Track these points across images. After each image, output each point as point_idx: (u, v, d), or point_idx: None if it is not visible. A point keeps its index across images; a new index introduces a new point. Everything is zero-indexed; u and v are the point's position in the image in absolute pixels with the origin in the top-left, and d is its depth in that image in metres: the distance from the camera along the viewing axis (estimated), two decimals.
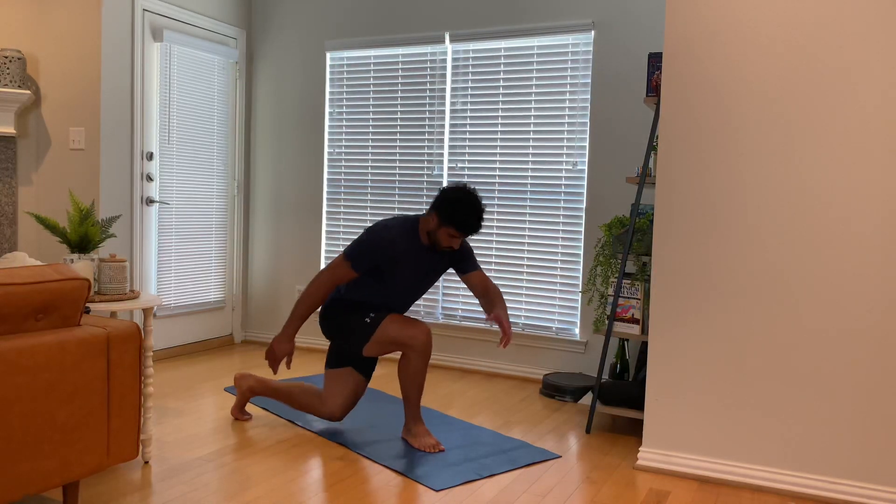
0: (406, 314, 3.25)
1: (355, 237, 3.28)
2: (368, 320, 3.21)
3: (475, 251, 4.70)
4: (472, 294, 4.72)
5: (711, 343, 2.99)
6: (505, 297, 4.63)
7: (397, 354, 4.97)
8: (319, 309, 3.38)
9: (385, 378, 4.48)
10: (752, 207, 2.91)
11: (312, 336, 5.25)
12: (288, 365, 3.24)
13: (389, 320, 3.20)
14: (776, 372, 2.89)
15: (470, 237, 4.72)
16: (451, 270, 4.77)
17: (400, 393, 4.14)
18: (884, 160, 2.72)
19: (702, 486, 2.92)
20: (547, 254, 4.51)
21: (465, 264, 3.37)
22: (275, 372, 3.27)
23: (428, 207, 3.28)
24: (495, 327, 4.67)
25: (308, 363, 4.82)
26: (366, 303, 3.29)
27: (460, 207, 3.12)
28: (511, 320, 4.62)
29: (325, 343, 5.20)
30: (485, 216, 3.16)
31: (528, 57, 4.52)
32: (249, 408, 3.77)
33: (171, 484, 2.77)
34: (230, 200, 5.28)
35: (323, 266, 5.20)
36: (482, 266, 4.69)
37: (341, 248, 5.15)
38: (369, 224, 5.03)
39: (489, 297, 3.34)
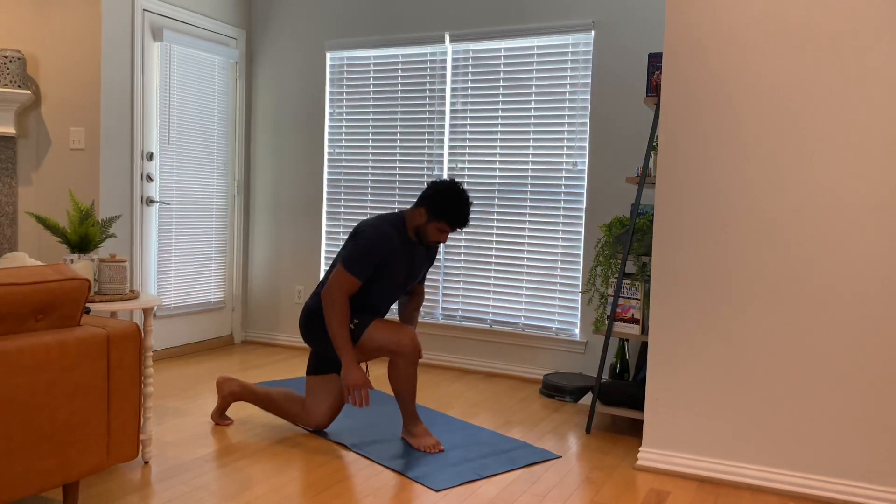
0: (388, 317, 3.28)
1: (343, 247, 3.23)
2: (352, 326, 3.17)
3: (479, 252, 4.71)
4: (472, 295, 4.72)
5: (712, 343, 2.99)
6: (505, 297, 4.64)
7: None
8: (300, 315, 3.31)
9: (385, 378, 4.48)
10: (752, 207, 2.91)
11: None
12: (372, 387, 3.17)
13: (374, 327, 3.15)
14: (776, 372, 2.89)
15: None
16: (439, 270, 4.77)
17: None
18: (889, 160, 2.72)
19: (702, 486, 2.92)
20: (547, 254, 4.51)
21: (429, 266, 3.45)
22: (365, 405, 3.10)
23: (415, 202, 3.25)
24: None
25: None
26: (352, 305, 3.23)
27: (452, 202, 3.13)
28: (511, 320, 4.63)
29: None
30: (471, 210, 3.23)
31: (528, 57, 4.52)
32: (249, 408, 3.77)
33: (171, 484, 2.77)
34: (230, 200, 5.28)
35: (322, 267, 5.21)
36: (483, 263, 4.69)
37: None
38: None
39: (416, 299, 3.47)
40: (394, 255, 3.18)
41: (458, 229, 3.25)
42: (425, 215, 3.18)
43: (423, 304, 4.84)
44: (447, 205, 3.13)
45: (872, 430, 2.76)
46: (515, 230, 4.59)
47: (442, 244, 4.26)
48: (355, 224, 5.07)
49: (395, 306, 4.90)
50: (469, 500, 2.72)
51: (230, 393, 3.45)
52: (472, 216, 3.21)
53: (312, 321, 3.25)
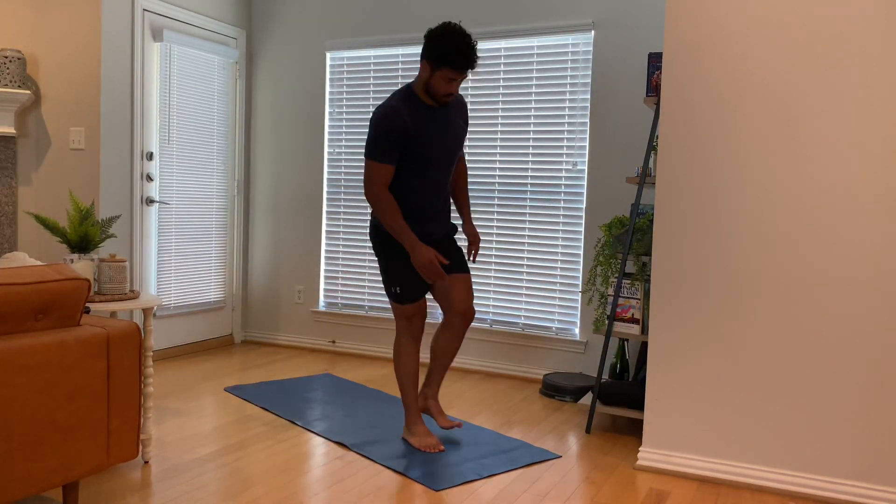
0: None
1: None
2: (394, 291, 3.18)
3: (479, 252, 4.70)
4: None
5: (711, 343, 2.99)
6: (505, 297, 4.64)
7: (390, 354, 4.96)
8: (371, 222, 3.23)
9: (385, 378, 4.48)
10: (751, 207, 2.91)
11: (312, 336, 5.25)
12: (443, 260, 3.04)
13: (415, 302, 3.19)
14: (776, 372, 2.89)
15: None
16: None
17: (398, 393, 4.13)
18: (886, 159, 2.72)
19: (702, 486, 2.92)
20: (547, 254, 4.51)
21: (464, 130, 3.25)
22: (443, 279, 3.04)
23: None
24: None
25: (310, 363, 4.82)
26: (408, 211, 3.10)
27: (447, 42, 2.90)
28: (511, 320, 4.62)
29: (325, 344, 5.20)
30: (476, 48, 2.93)
31: (528, 57, 4.52)
32: (249, 408, 3.77)
33: (171, 484, 2.77)
34: (230, 200, 5.28)
35: (323, 266, 5.21)
36: (482, 267, 4.69)
37: (341, 248, 5.15)
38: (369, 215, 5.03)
39: (460, 177, 3.34)
40: (410, 125, 3.00)
41: (466, 71, 2.96)
42: (428, 68, 2.97)
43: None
44: (442, 47, 2.90)
45: (872, 430, 2.76)
46: (515, 230, 4.59)
47: None
48: (355, 224, 5.09)
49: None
50: (469, 500, 2.72)
51: (423, 407, 3.40)
52: (477, 60, 2.95)
53: (375, 245, 3.23)
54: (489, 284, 4.67)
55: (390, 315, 4.97)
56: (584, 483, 2.91)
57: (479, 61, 4.62)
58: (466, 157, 4.69)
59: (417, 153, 3.04)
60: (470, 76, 4.66)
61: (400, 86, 4.86)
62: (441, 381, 3.40)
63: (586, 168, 4.38)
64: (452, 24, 2.97)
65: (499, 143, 4.61)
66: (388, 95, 3.09)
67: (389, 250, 3.17)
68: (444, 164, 3.14)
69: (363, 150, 3.14)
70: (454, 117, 3.16)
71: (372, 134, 3.02)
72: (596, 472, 3.03)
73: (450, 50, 2.90)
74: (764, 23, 2.87)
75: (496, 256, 4.64)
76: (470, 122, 4.67)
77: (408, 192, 3.11)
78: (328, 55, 5.13)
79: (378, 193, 3.02)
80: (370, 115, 3.06)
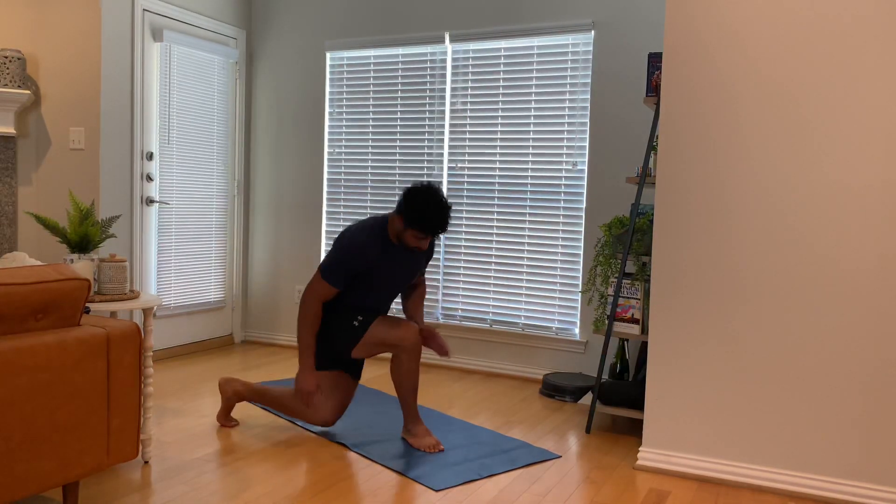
0: (390, 313, 3.26)
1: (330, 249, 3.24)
2: (356, 323, 3.19)
3: (479, 252, 4.71)
4: (472, 295, 4.72)
5: (711, 343, 2.99)
6: (505, 297, 4.64)
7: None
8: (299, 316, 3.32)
9: (385, 378, 4.48)
10: (752, 207, 2.91)
11: None
12: (323, 396, 3.25)
13: (377, 323, 3.19)
14: (776, 372, 2.89)
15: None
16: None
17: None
18: (889, 157, 2.72)
19: (702, 486, 2.92)
20: (547, 254, 4.51)
21: (426, 261, 3.43)
22: (309, 407, 3.25)
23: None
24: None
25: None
26: (350, 305, 3.25)
27: (423, 209, 3.07)
28: (511, 320, 4.63)
29: None
30: (451, 214, 3.06)
31: (528, 57, 4.52)
32: (251, 409, 3.77)
33: (171, 484, 2.77)
34: (230, 200, 5.28)
35: None
36: (483, 263, 4.69)
37: None
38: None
39: (416, 291, 3.44)
40: (371, 262, 3.16)
41: (435, 236, 3.17)
42: (401, 222, 3.13)
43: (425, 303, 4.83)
44: (418, 212, 3.07)
45: (872, 430, 2.76)
46: (515, 230, 4.59)
47: (443, 240, 4.26)
48: None
49: (399, 302, 4.90)
50: (469, 500, 2.72)
51: (234, 393, 3.43)
52: (453, 220, 3.06)
53: None
54: (489, 284, 4.67)
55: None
56: (584, 483, 2.91)
57: (480, 63, 4.63)
58: (466, 160, 4.69)
59: (367, 281, 3.21)
60: (471, 77, 4.66)
61: (400, 98, 4.86)
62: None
63: (586, 168, 4.38)
64: (431, 188, 3.11)
65: (499, 143, 4.61)
66: (363, 223, 3.22)
67: (335, 315, 3.24)
68: (392, 291, 3.31)
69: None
70: (417, 258, 3.30)
71: (333, 255, 3.16)
72: (596, 472, 3.03)
73: (420, 216, 3.07)
74: (764, 22, 2.87)
75: (496, 256, 4.65)
76: (470, 121, 4.67)
77: (356, 296, 3.25)
78: (328, 55, 5.13)
79: (311, 305, 3.18)
80: (343, 231, 3.24)
